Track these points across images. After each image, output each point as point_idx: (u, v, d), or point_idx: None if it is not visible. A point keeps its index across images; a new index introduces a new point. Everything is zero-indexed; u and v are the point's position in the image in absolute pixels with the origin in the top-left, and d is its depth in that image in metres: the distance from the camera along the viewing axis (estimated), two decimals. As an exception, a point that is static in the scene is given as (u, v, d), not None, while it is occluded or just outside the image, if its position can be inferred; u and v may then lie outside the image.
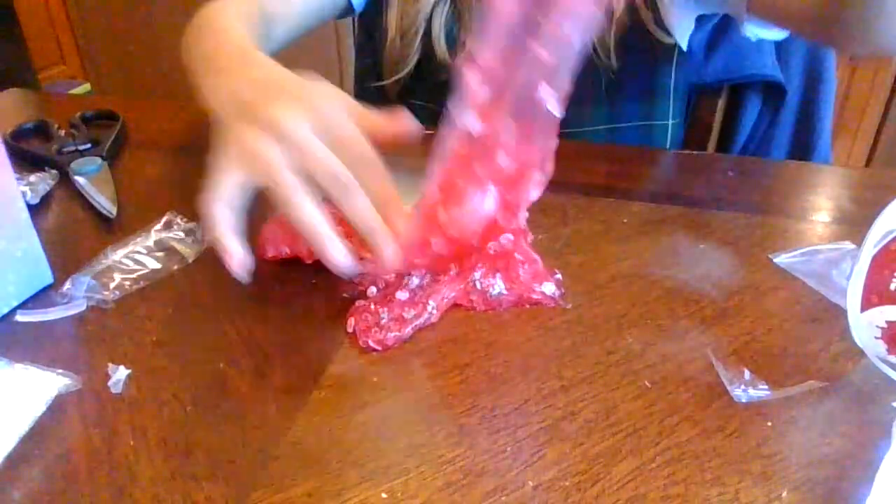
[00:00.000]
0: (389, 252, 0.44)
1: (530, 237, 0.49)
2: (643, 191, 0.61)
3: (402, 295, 0.46)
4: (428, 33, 0.72)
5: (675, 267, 0.51)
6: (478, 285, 0.47)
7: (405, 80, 0.76)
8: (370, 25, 0.80)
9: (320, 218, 0.43)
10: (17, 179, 0.47)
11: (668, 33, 0.69)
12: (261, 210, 0.57)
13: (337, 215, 0.51)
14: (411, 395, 0.41)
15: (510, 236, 0.47)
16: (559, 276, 0.49)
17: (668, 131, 0.75)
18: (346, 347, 0.44)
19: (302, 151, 0.43)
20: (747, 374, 0.41)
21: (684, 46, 0.71)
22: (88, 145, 0.67)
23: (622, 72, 0.70)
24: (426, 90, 0.78)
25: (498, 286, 0.48)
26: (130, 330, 0.46)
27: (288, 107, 0.44)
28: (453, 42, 0.72)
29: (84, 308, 0.47)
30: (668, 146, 0.75)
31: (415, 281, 0.47)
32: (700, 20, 0.71)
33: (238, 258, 0.43)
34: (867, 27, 0.52)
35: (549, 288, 0.48)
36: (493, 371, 0.42)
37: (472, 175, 0.44)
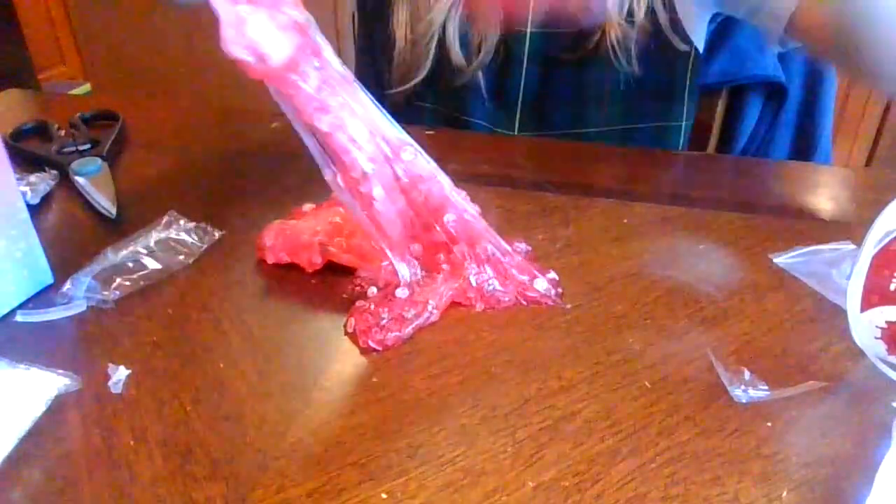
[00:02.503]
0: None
1: (476, 209, 0.49)
2: (643, 191, 0.61)
3: (401, 293, 0.46)
4: (441, 39, 0.72)
5: (675, 267, 0.51)
6: (473, 282, 0.47)
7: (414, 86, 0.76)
8: (373, 30, 0.79)
9: None
10: (17, 179, 0.47)
11: (683, 39, 0.70)
12: (261, 212, 0.57)
13: (335, 226, 0.51)
14: (411, 395, 0.41)
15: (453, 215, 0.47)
16: (553, 274, 0.49)
17: (681, 132, 0.75)
18: (346, 347, 0.44)
19: None
20: (747, 374, 0.41)
21: (701, 47, 0.71)
22: (88, 145, 0.67)
23: (640, 73, 0.70)
24: (438, 95, 0.78)
25: (492, 282, 0.48)
26: (130, 330, 0.46)
27: None
28: (467, 47, 0.72)
29: (84, 308, 0.47)
30: (680, 147, 0.76)
31: (407, 275, 0.47)
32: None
33: None
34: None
35: (541, 284, 0.48)
36: (493, 371, 0.42)
37: None
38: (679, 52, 0.71)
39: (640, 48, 0.68)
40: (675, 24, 0.69)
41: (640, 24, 0.67)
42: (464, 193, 0.49)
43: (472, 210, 0.48)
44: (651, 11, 0.68)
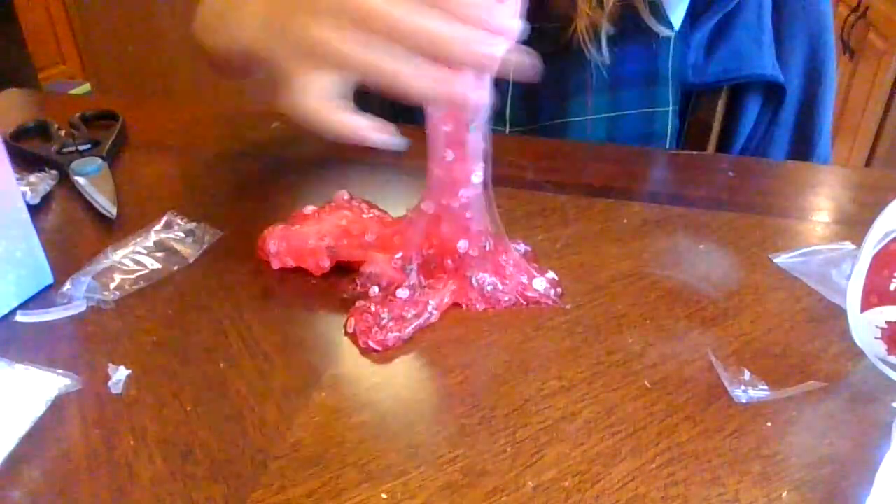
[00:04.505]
0: (511, 25, 0.40)
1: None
2: (643, 191, 0.61)
3: (402, 293, 0.46)
4: None
5: (675, 267, 0.51)
6: (474, 282, 0.47)
7: None
8: None
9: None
10: (17, 179, 0.47)
11: (666, 24, 0.69)
12: (261, 212, 0.57)
13: (343, 229, 0.51)
14: (411, 395, 0.41)
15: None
16: (552, 274, 0.49)
17: (668, 117, 0.75)
18: (346, 347, 0.44)
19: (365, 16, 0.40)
20: (747, 374, 0.41)
21: (677, 27, 0.70)
22: (88, 145, 0.67)
23: (621, 60, 0.70)
24: None
25: (490, 281, 0.48)
26: (130, 330, 0.46)
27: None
28: None
29: (84, 308, 0.47)
30: (669, 132, 0.75)
31: (413, 277, 0.47)
32: (699, 18, 0.71)
33: (378, 132, 0.41)
34: None
35: (540, 284, 0.48)
36: (493, 371, 0.42)
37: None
38: (659, 37, 0.70)
39: (614, 35, 0.68)
40: (655, 7, 0.68)
41: (609, 12, 0.66)
42: None
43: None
44: None
